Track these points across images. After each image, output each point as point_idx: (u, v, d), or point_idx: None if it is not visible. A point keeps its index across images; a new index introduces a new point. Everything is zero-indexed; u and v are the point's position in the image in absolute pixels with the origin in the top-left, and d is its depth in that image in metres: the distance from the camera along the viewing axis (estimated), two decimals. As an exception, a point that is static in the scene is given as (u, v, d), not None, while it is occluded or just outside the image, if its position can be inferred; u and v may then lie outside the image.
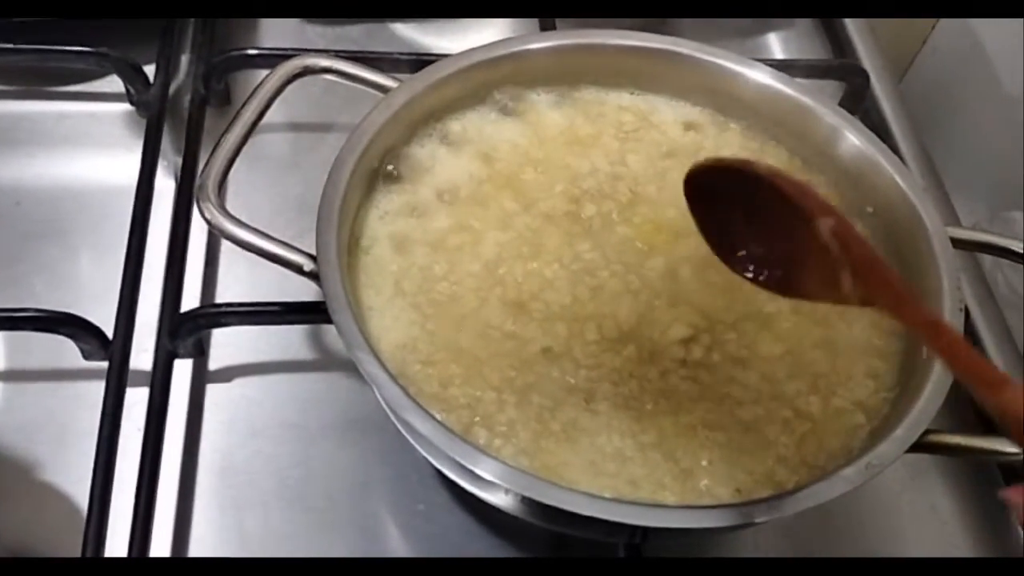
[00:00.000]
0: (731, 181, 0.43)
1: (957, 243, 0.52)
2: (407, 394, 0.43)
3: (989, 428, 0.57)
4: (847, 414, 0.48)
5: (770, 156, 0.58)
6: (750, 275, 0.44)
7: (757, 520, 0.43)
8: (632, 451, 0.46)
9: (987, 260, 0.68)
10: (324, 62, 0.55)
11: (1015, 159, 0.76)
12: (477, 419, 0.47)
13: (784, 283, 0.43)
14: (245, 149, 0.52)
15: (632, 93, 0.59)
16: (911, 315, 0.39)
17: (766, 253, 0.43)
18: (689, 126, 0.58)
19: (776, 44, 0.78)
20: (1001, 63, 0.79)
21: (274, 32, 0.73)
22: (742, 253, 0.44)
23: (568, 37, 0.58)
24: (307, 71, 0.54)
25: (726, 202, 0.44)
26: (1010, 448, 0.46)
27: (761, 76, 0.57)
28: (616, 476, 0.46)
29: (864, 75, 0.73)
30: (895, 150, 0.56)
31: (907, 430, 0.44)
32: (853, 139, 0.55)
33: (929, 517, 0.57)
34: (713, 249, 0.45)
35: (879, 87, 0.73)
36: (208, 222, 0.48)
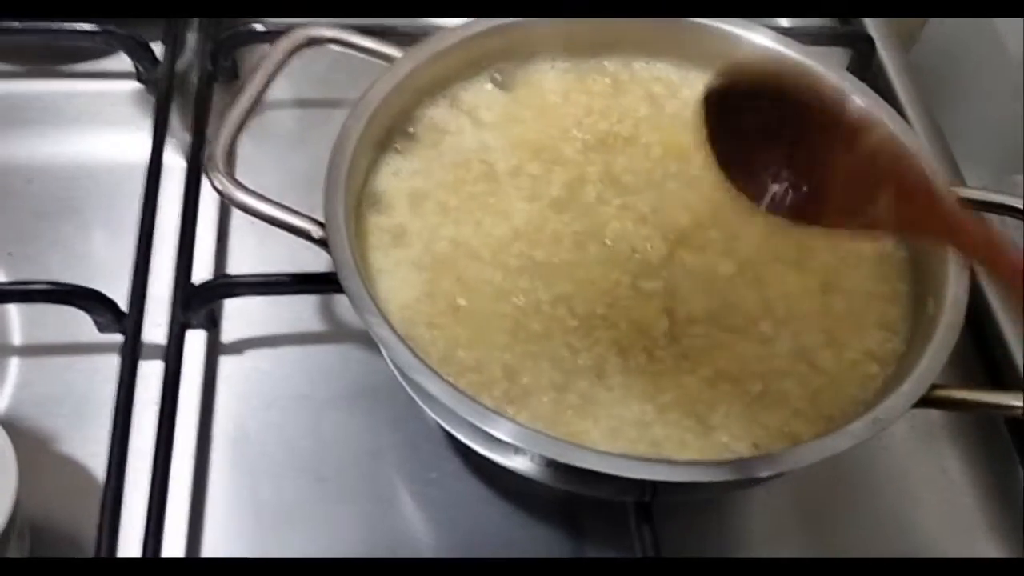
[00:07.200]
0: (753, 97, 0.39)
1: (961, 203, 0.52)
2: (416, 356, 0.44)
3: (995, 383, 0.57)
4: (861, 364, 0.48)
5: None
6: (768, 202, 0.40)
7: (760, 475, 0.43)
8: (652, 415, 0.47)
9: (994, 221, 0.67)
10: (329, 32, 0.55)
11: (1020, 124, 0.76)
12: (485, 384, 0.47)
13: (806, 209, 0.39)
14: (252, 126, 0.52)
15: (638, 60, 0.59)
16: (968, 241, 0.36)
17: (788, 174, 0.40)
18: (693, 91, 0.58)
19: (781, 11, 0.78)
20: (1007, 29, 0.79)
21: (280, 9, 0.73)
22: (761, 178, 0.40)
23: (572, 5, 0.58)
24: (312, 42, 0.54)
25: (746, 120, 0.39)
26: (1015, 402, 0.46)
27: (765, 40, 0.57)
28: (637, 441, 0.46)
29: (870, 41, 0.72)
30: (902, 115, 0.55)
31: (913, 385, 0.44)
32: (858, 102, 0.55)
33: (939, 478, 0.57)
34: (727, 175, 0.41)
35: (885, 54, 0.73)
36: (217, 191, 0.49)
